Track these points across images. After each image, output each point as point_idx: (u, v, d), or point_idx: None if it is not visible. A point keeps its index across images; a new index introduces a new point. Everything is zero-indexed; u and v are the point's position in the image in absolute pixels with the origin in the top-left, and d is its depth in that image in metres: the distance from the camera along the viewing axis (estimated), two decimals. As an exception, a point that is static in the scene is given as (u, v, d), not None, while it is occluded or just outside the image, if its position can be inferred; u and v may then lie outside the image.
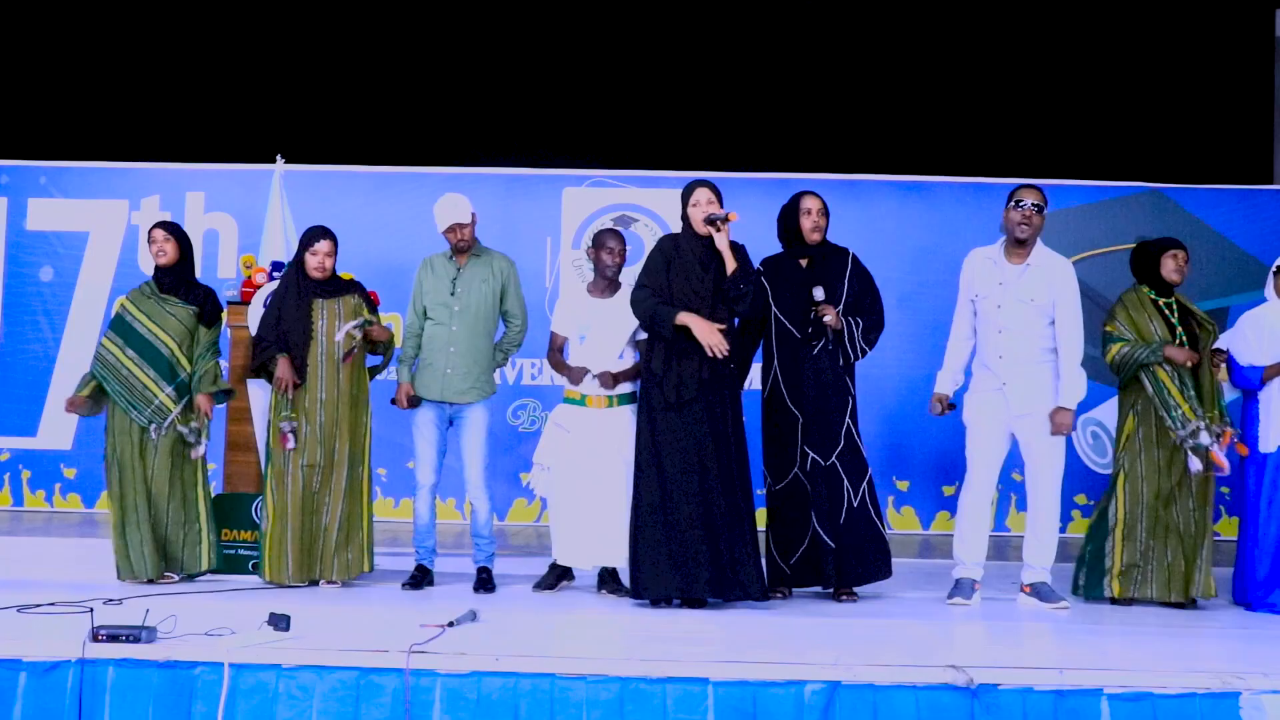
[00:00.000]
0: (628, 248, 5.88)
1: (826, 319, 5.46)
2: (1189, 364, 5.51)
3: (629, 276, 5.71)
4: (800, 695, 3.93)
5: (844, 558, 5.45)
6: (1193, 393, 5.49)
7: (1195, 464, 5.43)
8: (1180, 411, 5.44)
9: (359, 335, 5.67)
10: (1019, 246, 5.48)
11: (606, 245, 5.76)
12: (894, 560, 5.63)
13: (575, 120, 9.52)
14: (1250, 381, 5.69)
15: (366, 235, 8.28)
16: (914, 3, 9.48)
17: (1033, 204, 5.43)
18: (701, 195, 5.36)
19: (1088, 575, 5.65)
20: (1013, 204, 5.46)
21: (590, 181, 8.86)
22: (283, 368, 5.61)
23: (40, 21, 9.59)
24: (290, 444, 5.57)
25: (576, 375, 5.70)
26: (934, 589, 5.76)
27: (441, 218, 5.77)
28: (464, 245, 5.80)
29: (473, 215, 5.82)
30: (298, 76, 9.48)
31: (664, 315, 5.26)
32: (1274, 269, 5.76)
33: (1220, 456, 5.42)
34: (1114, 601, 5.58)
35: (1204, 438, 5.39)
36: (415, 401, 5.78)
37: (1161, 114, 9.31)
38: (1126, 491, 5.58)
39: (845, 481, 5.48)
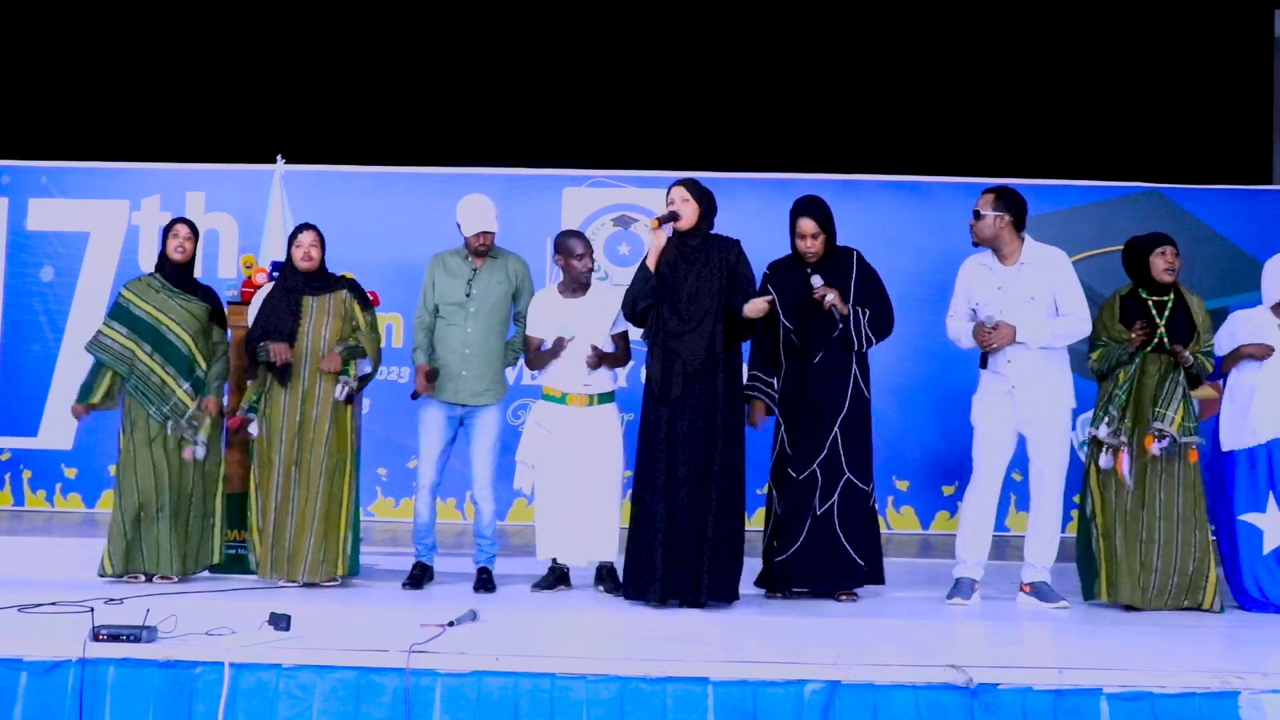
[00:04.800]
0: (594, 250, 5.88)
1: (828, 299, 5.39)
2: (1137, 335, 5.42)
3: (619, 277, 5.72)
4: (800, 695, 3.94)
5: (794, 565, 5.47)
6: (1123, 402, 5.41)
7: (1104, 459, 5.41)
8: (1103, 416, 5.41)
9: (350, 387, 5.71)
10: (1002, 248, 5.52)
11: (576, 253, 5.73)
12: (894, 560, 5.64)
13: (575, 120, 9.52)
14: (1215, 370, 5.67)
15: (366, 235, 8.28)
16: (913, 3, 9.48)
17: (974, 210, 5.51)
18: (675, 194, 5.42)
19: (1083, 578, 5.60)
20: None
21: (590, 181, 8.86)
22: (277, 347, 5.61)
23: (40, 21, 9.59)
24: (254, 431, 5.65)
25: (558, 346, 5.65)
26: (934, 589, 5.76)
27: (469, 223, 5.76)
28: (484, 249, 5.80)
29: (494, 229, 5.83)
30: (298, 76, 9.48)
31: (636, 280, 5.37)
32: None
33: (1124, 472, 5.39)
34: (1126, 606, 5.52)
35: (1106, 437, 5.39)
36: (433, 375, 5.72)
37: (1161, 114, 9.30)
38: (1100, 487, 5.51)
39: (826, 489, 5.48)
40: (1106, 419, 5.42)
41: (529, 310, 5.85)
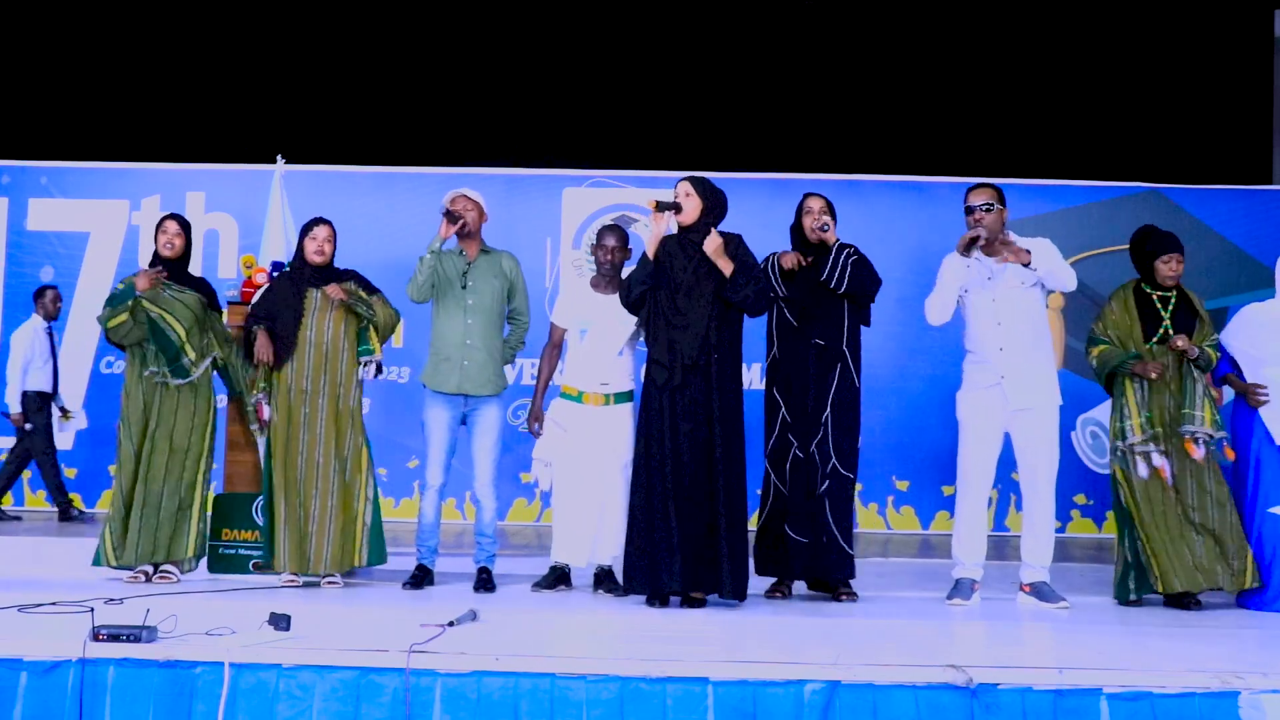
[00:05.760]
0: (630, 247, 5.89)
1: (823, 222, 5.53)
2: (1153, 376, 5.50)
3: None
4: (800, 695, 3.93)
5: (802, 551, 5.46)
6: (1150, 413, 5.48)
7: (1142, 469, 5.45)
8: (1130, 424, 5.50)
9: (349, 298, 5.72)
10: (995, 242, 5.52)
11: (603, 243, 5.80)
12: (894, 560, 5.65)
13: (575, 120, 9.53)
14: (1218, 371, 5.70)
15: (366, 235, 8.29)
16: (913, 3, 9.49)
17: (981, 205, 5.49)
18: (680, 187, 5.43)
19: (1137, 578, 5.55)
20: (966, 212, 5.53)
21: (590, 181, 8.87)
22: (261, 341, 5.67)
23: (40, 21, 9.59)
24: (266, 415, 5.64)
25: (533, 415, 5.81)
26: (934, 589, 5.76)
27: (451, 192, 5.85)
28: (466, 230, 5.80)
29: (479, 206, 5.84)
30: (298, 76, 9.49)
31: (635, 275, 5.35)
32: None
33: (1167, 476, 5.46)
34: (1167, 600, 5.53)
35: (1154, 455, 5.46)
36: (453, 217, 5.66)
37: (1161, 114, 9.32)
38: (1132, 494, 5.52)
39: (819, 473, 5.48)
40: (1141, 426, 5.45)
41: (558, 298, 5.90)
